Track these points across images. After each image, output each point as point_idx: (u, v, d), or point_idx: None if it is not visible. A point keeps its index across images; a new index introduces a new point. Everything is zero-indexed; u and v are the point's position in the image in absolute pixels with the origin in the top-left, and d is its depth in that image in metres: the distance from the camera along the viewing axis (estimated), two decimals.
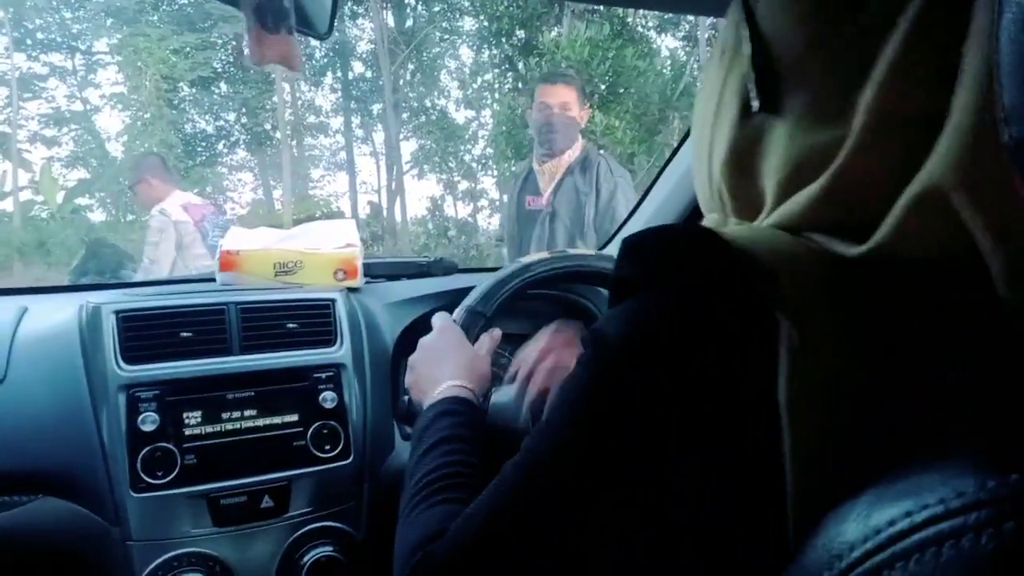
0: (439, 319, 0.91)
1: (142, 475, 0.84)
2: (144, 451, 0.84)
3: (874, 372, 0.36)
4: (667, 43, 10.05)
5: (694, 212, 1.21)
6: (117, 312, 0.90)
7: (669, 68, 9.20)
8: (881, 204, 0.38)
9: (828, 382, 0.36)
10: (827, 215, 0.41)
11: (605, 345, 0.43)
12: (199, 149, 11.09)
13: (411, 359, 0.85)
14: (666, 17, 8.91)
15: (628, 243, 0.44)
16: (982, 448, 0.29)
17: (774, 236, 0.41)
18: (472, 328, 0.92)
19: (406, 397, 0.99)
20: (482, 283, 0.97)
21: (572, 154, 2.44)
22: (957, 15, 0.34)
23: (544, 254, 1.00)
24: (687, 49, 10.17)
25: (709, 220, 0.52)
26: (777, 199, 0.44)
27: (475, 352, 0.85)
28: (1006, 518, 0.25)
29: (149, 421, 0.85)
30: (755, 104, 0.44)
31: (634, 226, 1.33)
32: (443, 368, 0.79)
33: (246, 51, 0.79)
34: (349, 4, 10.62)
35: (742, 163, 0.46)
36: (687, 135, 1.21)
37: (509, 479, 0.46)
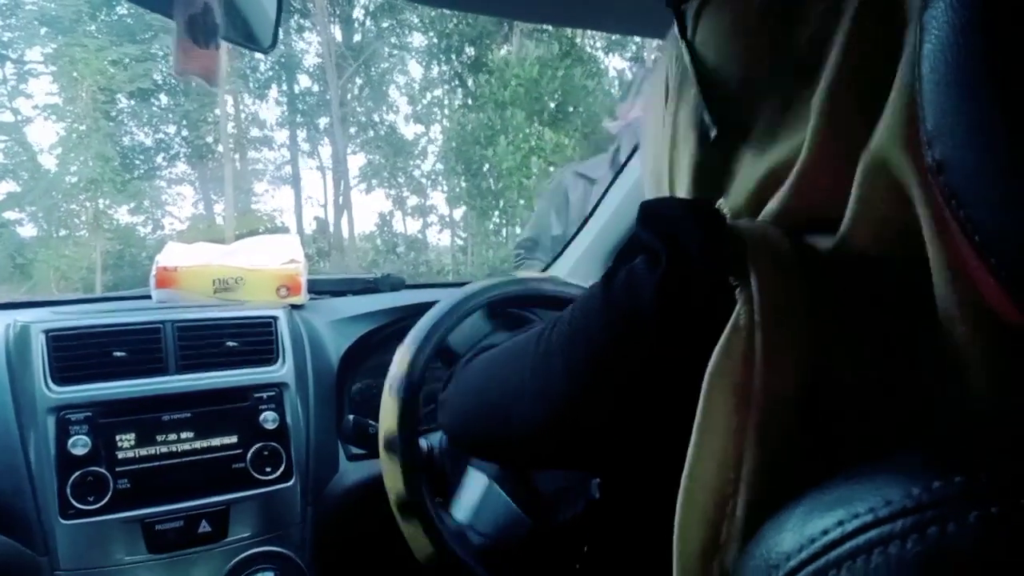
0: None
1: (72, 501, 0.80)
2: (74, 476, 0.81)
3: (817, 371, 0.37)
4: (615, 63, 10.26)
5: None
6: (47, 331, 0.86)
7: (617, 88, 9.39)
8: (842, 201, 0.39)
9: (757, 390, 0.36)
10: (799, 215, 0.42)
11: (617, 290, 0.44)
12: (137, 162, 10.75)
13: None
14: (613, 38, 9.09)
15: (645, 210, 0.45)
16: (910, 455, 0.30)
17: (765, 227, 0.42)
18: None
19: (351, 417, 0.97)
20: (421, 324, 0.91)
21: None
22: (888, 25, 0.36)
23: (494, 279, 1.00)
24: (634, 69, 10.40)
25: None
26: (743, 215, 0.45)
27: None
28: (929, 524, 0.26)
29: (80, 444, 0.82)
30: (712, 133, 0.45)
31: (578, 246, 1.35)
32: None
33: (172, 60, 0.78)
34: (296, 18, 10.52)
35: (703, 190, 0.47)
36: (628, 159, 1.24)
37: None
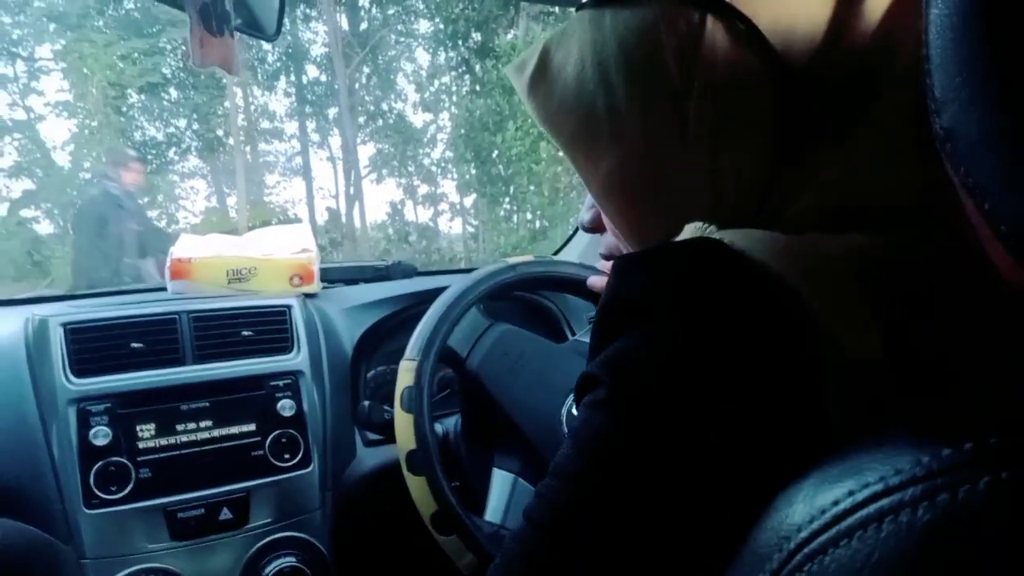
0: None
1: (95, 491, 0.82)
2: (97, 466, 0.82)
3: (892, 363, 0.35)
4: None
5: None
6: (65, 324, 0.87)
7: None
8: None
9: (874, 397, 0.35)
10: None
11: (632, 381, 0.37)
12: (149, 157, 10.83)
13: None
14: None
15: (630, 262, 0.41)
16: (920, 422, 0.30)
17: (783, 244, 0.38)
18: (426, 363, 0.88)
19: (366, 403, 0.98)
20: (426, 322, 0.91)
21: None
22: None
23: (528, 257, 1.00)
24: None
25: (689, 230, 0.44)
26: (736, 209, 0.42)
27: None
28: (939, 491, 0.26)
29: (101, 435, 0.83)
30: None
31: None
32: None
33: (190, 53, 0.78)
34: (301, 7, 10.49)
35: (673, 184, 0.44)
36: None
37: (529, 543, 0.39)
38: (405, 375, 0.86)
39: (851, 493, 0.29)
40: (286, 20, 0.90)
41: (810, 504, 0.31)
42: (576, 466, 0.38)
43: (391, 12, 11.09)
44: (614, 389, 0.37)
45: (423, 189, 12.02)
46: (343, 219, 11.73)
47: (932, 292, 0.37)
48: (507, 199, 9.43)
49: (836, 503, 0.30)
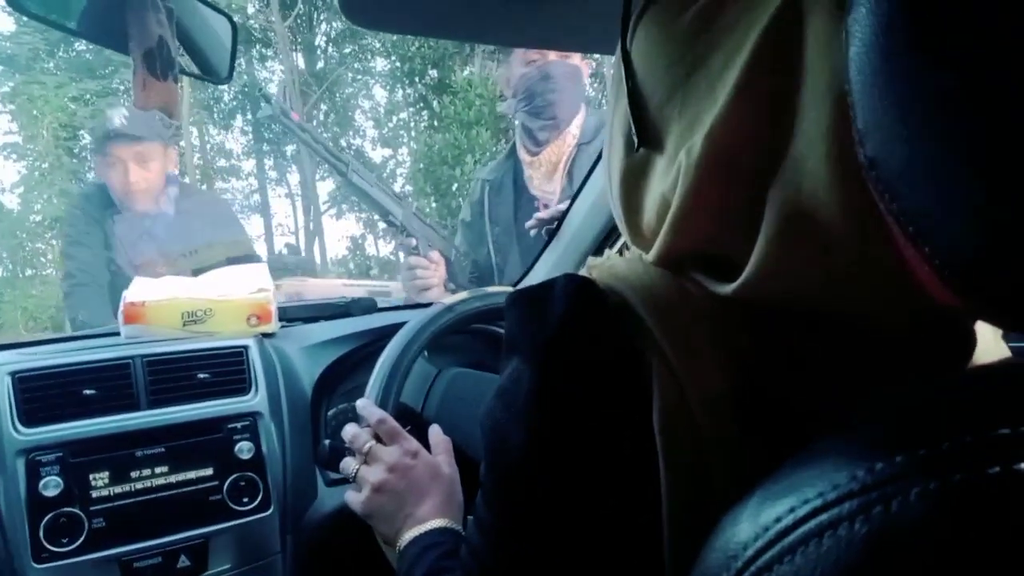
0: (435, 437, 0.82)
1: (45, 544, 0.79)
2: (47, 518, 0.80)
3: (744, 412, 0.39)
4: None
5: (604, 241, 1.26)
6: (13, 373, 0.85)
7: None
8: (735, 235, 0.40)
9: (696, 416, 0.38)
10: (689, 246, 0.43)
11: (488, 416, 0.45)
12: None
13: (383, 482, 0.74)
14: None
15: (509, 302, 0.46)
16: (854, 437, 0.31)
17: (649, 276, 0.43)
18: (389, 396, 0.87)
19: (327, 442, 0.97)
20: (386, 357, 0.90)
21: (576, 129, 1.69)
22: (785, 60, 0.37)
23: (464, 294, 1.01)
24: (595, 86, 10.52)
25: (591, 259, 0.52)
26: (655, 234, 0.45)
27: (451, 480, 0.77)
28: (875, 504, 0.27)
29: (52, 486, 0.81)
30: (635, 140, 0.46)
31: (548, 259, 1.36)
32: (424, 506, 0.72)
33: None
34: (257, 47, 10.49)
35: (629, 197, 0.48)
36: (588, 175, 1.25)
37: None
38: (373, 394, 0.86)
39: (792, 510, 0.30)
40: (241, 59, 0.91)
41: (754, 522, 0.32)
42: (487, 491, 0.46)
43: (347, 51, 11.17)
44: (482, 419, 0.46)
45: (383, 223, 11.96)
46: (303, 255, 11.61)
47: (789, 334, 0.39)
48: None
49: (778, 520, 0.31)
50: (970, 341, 0.40)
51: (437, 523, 0.69)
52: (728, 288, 0.40)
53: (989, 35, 0.28)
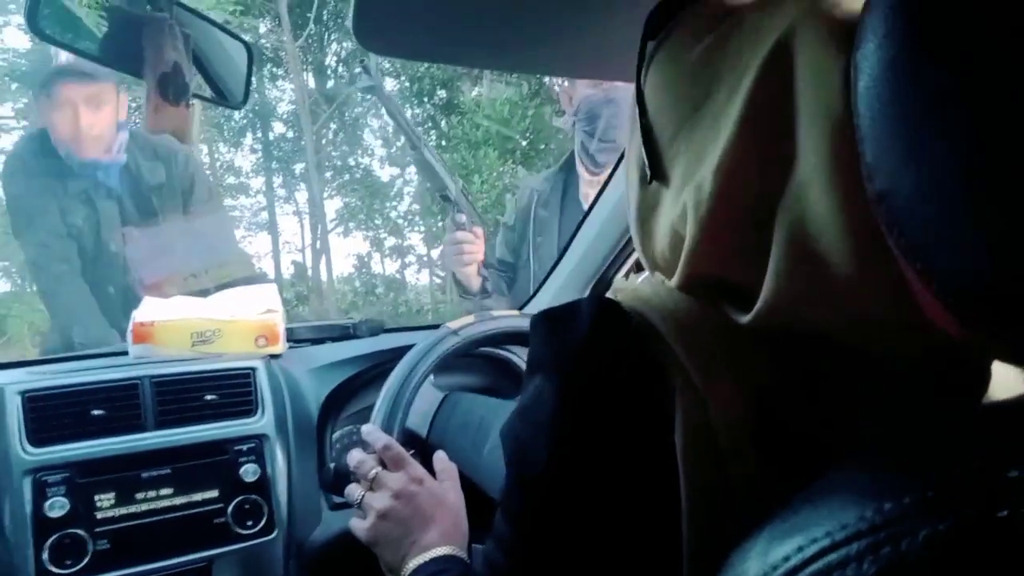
0: (440, 463, 0.83)
1: (49, 565, 0.79)
2: (52, 539, 0.80)
3: (763, 437, 0.39)
4: None
5: (609, 267, 1.26)
6: (23, 392, 0.86)
7: None
8: (747, 265, 0.41)
9: (717, 438, 0.39)
10: (705, 275, 0.44)
11: (509, 431, 0.46)
12: None
13: (388, 509, 0.74)
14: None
15: (534, 322, 0.47)
16: (863, 475, 0.32)
17: (673, 300, 0.44)
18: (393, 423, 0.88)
19: (331, 465, 0.97)
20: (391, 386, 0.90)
21: None
22: (782, 91, 0.38)
23: (470, 318, 1.01)
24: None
25: (618, 281, 0.55)
26: (668, 262, 0.47)
27: (457, 506, 0.77)
28: (883, 544, 0.27)
29: (57, 506, 0.81)
30: (648, 173, 0.47)
31: (557, 278, 1.36)
32: (430, 534, 0.72)
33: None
34: (268, 67, 10.60)
35: (644, 227, 0.50)
36: (599, 195, 1.26)
37: None
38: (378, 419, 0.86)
39: (800, 549, 0.30)
40: (253, 78, 0.92)
41: (763, 560, 0.32)
42: (508, 507, 0.47)
43: (358, 71, 11.27)
44: (504, 436, 0.46)
45: (390, 242, 12.01)
46: (309, 273, 11.64)
47: (805, 362, 0.40)
48: None
49: (787, 559, 0.31)
50: (984, 374, 0.40)
51: (442, 551, 0.69)
52: (745, 318, 0.41)
53: (998, 74, 0.28)
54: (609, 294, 0.48)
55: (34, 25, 0.73)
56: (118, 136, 1.93)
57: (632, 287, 0.49)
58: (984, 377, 0.40)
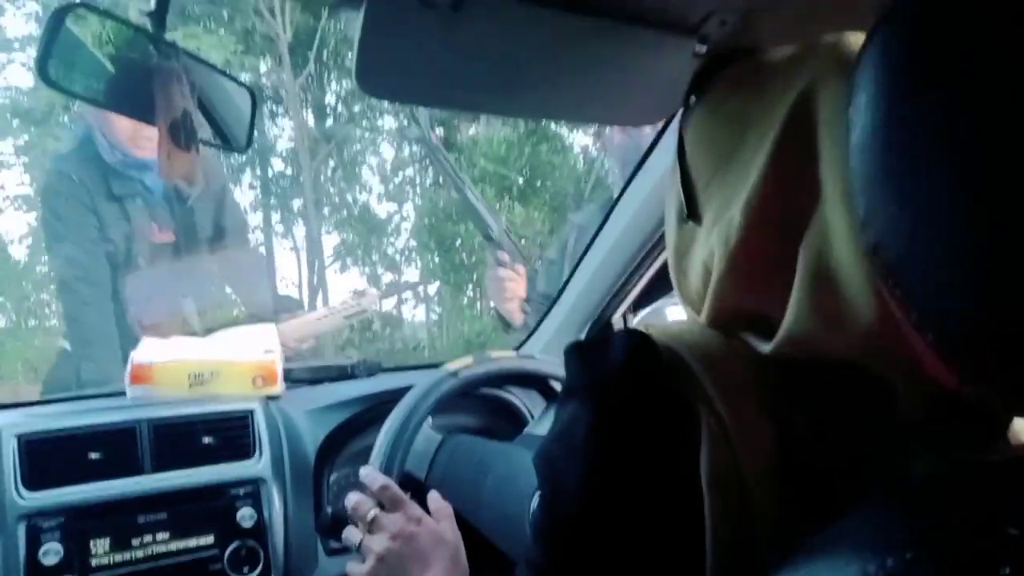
0: (435, 504, 0.83)
1: None
2: None
3: (786, 470, 0.40)
4: (579, 140, 10.55)
5: (607, 307, 1.26)
6: (20, 436, 0.85)
7: (582, 163, 9.65)
8: (772, 297, 0.43)
9: (742, 469, 0.40)
10: (733, 308, 0.46)
11: (543, 456, 0.48)
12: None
13: (387, 551, 0.74)
14: None
15: (568, 352, 0.49)
16: (865, 531, 0.32)
17: (702, 335, 0.47)
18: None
19: (328, 509, 0.96)
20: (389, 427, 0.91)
21: None
22: (806, 135, 0.41)
23: (468, 360, 1.01)
24: (598, 146, 10.69)
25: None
26: (701, 299, 0.49)
27: (455, 546, 0.77)
28: None
29: (52, 553, 0.80)
30: (684, 213, 0.50)
31: (550, 325, 1.37)
32: (429, 574, 0.72)
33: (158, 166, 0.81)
34: (268, 104, 10.74)
35: (680, 264, 0.52)
36: (601, 226, 1.26)
37: None
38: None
39: None
40: (254, 131, 0.94)
41: None
42: (540, 530, 0.48)
43: (357, 109, 11.42)
44: (538, 462, 0.48)
45: (387, 277, 12.03)
46: (306, 308, 11.62)
47: (824, 397, 0.42)
48: (471, 286, 9.49)
49: None
50: (993, 424, 0.41)
51: None
52: (767, 347, 0.43)
53: (987, 132, 0.29)
54: (638, 327, 0.50)
55: (44, 74, 0.75)
56: None
57: (662, 325, 0.50)
58: (994, 428, 0.41)
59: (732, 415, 0.41)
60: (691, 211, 0.49)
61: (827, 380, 0.41)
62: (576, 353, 0.48)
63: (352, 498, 0.80)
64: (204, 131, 0.89)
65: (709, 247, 0.46)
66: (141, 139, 1.86)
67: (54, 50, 0.75)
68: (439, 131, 10.05)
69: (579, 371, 0.48)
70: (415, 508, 0.78)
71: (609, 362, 0.45)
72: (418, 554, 0.73)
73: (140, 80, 0.79)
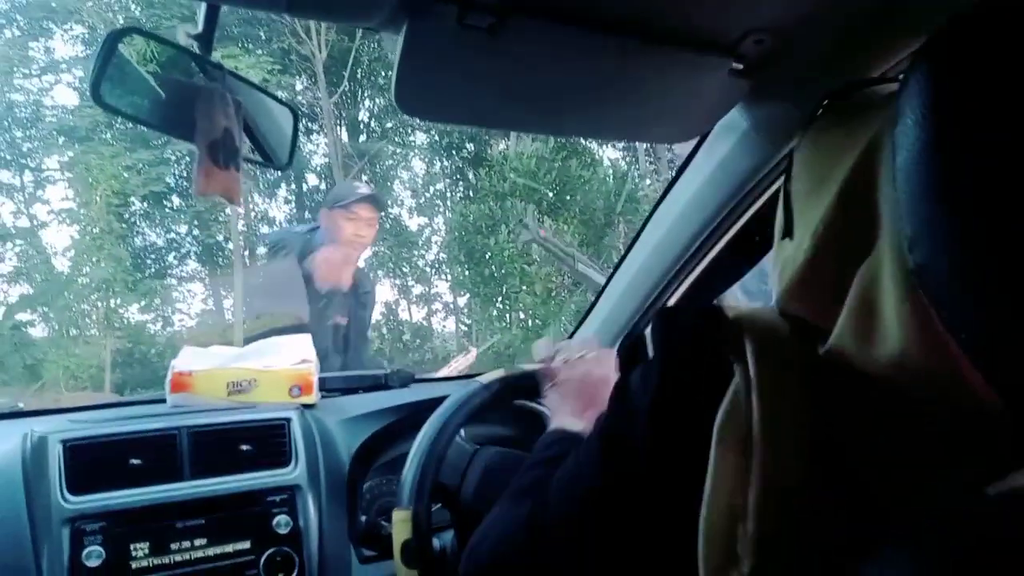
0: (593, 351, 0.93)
1: None
2: None
3: (820, 453, 0.43)
4: (608, 154, 10.57)
5: (653, 303, 1.25)
6: (64, 442, 0.88)
7: (612, 177, 9.65)
8: (829, 309, 0.45)
9: (753, 429, 0.44)
10: (797, 310, 0.50)
11: (614, 401, 0.57)
12: (148, 261, 11.00)
13: (566, 378, 0.90)
14: None
15: (655, 316, 0.57)
16: (902, 557, 0.32)
17: (773, 320, 0.51)
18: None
19: (363, 517, 0.97)
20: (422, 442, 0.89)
21: None
22: (869, 184, 0.43)
23: (500, 372, 1.01)
24: (627, 159, 10.70)
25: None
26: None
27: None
28: None
29: (94, 556, 0.82)
30: (784, 229, 0.55)
31: (595, 319, 1.36)
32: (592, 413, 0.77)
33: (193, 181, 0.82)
34: (304, 122, 10.95)
35: (776, 274, 0.56)
36: (637, 236, 1.26)
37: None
38: (401, 527, 0.81)
39: None
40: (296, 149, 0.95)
41: None
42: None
43: (389, 126, 11.58)
44: (601, 426, 0.58)
45: (417, 289, 12.16)
46: None
47: (867, 404, 0.43)
48: (500, 299, 9.53)
49: None
50: None
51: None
52: (821, 349, 0.46)
53: None
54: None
55: (97, 97, 0.77)
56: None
57: (747, 308, 0.56)
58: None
59: (762, 379, 0.45)
60: (787, 229, 0.54)
61: (868, 392, 0.43)
62: (660, 315, 0.56)
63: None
64: (246, 149, 0.91)
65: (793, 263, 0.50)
66: (359, 245, 2.51)
67: (107, 72, 0.77)
68: (470, 147, 10.14)
69: (658, 328, 0.55)
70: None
71: (680, 322, 0.54)
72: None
73: (184, 100, 0.82)
